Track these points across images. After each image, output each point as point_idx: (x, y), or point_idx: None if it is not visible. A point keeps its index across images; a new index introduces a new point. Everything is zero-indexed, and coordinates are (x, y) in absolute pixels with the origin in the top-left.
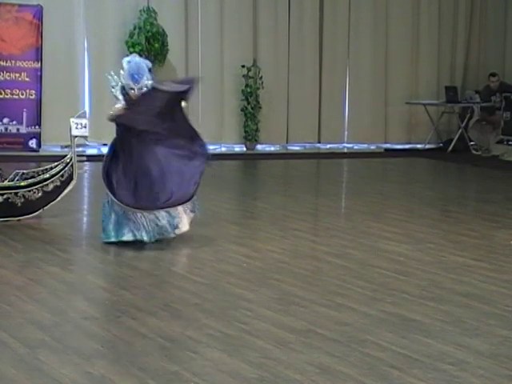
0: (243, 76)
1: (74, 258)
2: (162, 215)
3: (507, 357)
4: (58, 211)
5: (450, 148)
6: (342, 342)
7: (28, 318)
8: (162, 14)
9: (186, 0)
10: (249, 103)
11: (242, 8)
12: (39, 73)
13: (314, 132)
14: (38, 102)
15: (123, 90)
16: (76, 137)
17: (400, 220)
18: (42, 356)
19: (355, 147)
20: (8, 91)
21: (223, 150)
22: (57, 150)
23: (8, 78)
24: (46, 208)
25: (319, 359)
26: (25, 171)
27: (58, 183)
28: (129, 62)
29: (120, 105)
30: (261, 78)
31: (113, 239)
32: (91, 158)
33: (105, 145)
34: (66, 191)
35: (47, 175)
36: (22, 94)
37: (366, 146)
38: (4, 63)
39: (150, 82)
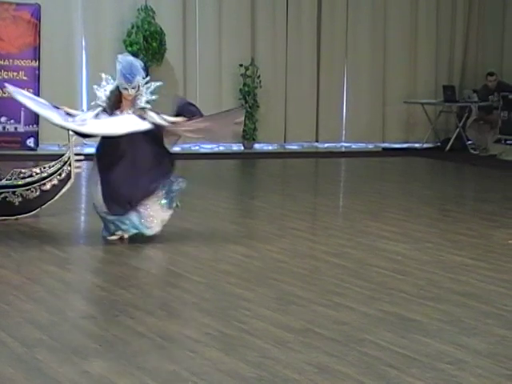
0: (241, 75)
1: (72, 257)
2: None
3: (505, 356)
4: (56, 210)
5: (448, 147)
6: (341, 342)
7: (26, 317)
8: (159, 12)
9: None
10: (247, 102)
11: (239, 7)
12: (37, 71)
13: (311, 131)
14: None
15: (117, 89)
16: (74, 136)
17: (398, 219)
18: (39, 355)
19: (353, 146)
20: (6, 90)
21: (221, 148)
22: (54, 149)
23: (6, 77)
24: (43, 207)
25: (317, 358)
26: (22, 170)
27: (56, 182)
28: (120, 62)
29: (88, 114)
30: (259, 77)
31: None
32: (89, 157)
33: None
34: (63, 190)
35: (45, 174)
36: None
37: (363, 145)
38: (2, 62)
39: (143, 81)
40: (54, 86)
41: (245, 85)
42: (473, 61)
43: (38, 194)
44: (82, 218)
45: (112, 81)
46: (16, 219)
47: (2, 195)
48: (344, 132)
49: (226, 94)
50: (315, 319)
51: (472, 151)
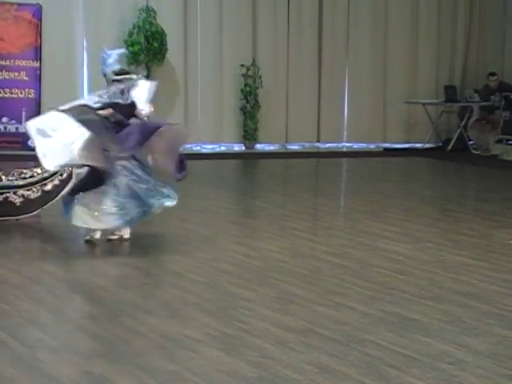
0: (242, 75)
1: (73, 257)
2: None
3: (506, 356)
4: (57, 210)
5: (450, 147)
6: (341, 342)
7: (27, 317)
8: (161, 13)
9: None
10: (248, 102)
11: (241, 7)
12: (38, 72)
13: (313, 131)
14: (37, 101)
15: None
16: None
17: (399, 219)
18: (40, 355)
19: (354, 146)
20: (7, 90)
21: (222, 149)
22: None
23: (7, 77)
24: (45, 207)
25: (318, 358)
26: (24, 170)
27: (57, 182)
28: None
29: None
30: (260, 77)
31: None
32: None
33: None
34: (65, 190)
35: (46, 174)
36: (21, 93)
37: (365, 145)
38: (3, 62)
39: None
40: (56, 86)
41: (246, 85)
42: (474, 61)
43: (39, 194)
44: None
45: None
46: (17, 219)
47: (4, 195)
48: (345, 132)
49: (228, 94)
50: (316, 319)
51: (473, 151)
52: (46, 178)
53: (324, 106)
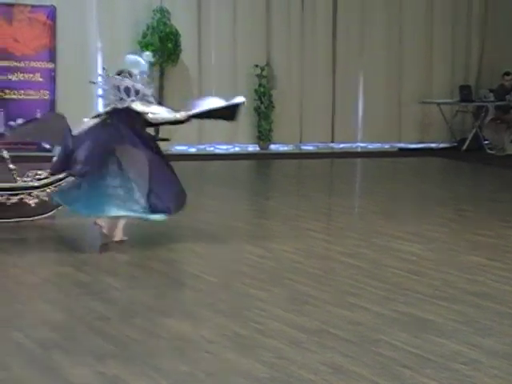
0: (256, 76)
1: (87, 258)
2: None
3: None
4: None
5: (464, 147)
6: (355, 342)
7: (41, 318)
8: (175, 13)
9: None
10: (262, 103)
11: (255, 7)
12: (53, 73)
13: (327, 131)
14: (52, 103)
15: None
16: None
17: (413, 220)
18: (55, 356)
19: (369, 147)
20: (22, 91)
21: (237, 149)
22: None
23: (22, 79)
24: (59, 208)
25: (332, 359)
26: (39, 171)
27: None
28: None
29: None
30: (274, 77)
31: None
32: None
33: None
34: None
35: (61, 176)
36: (36, 95)
37: (379, 145)
38: (18, 64)
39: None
40: (70, 88)
41: (260, 85)
42: (489, 60)
43: None
44: None
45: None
46: (32, 220)
47: (19, 196)
48: (360, 132)
49: (241, 94)
50: (330, 320)
51: (489, 151)
52: (60, 180)
53: (338, 106)
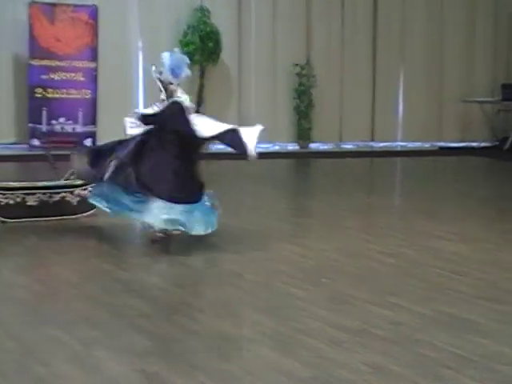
0: (296, 74)
1: (128, 255)
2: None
3: None
4: None
5: (506, 146)
6: (396, 342)
7: (83, 315)
8: (215, 12)
9: None
10: (302, 102)
11: (295, 5)
12: (94, 72)
13: (367, 130)
14: (94, 102)
15: (161, 83)
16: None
17: (454, 219)
18: (96, 353)
19: (409, 145)
20: (64, 91)
21: (276, 148)
22: None
23: (64, 78)
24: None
25: (373, 359)
26: None
27: None
28: (171, 55)
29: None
30: (314, 76)
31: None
32: None
33: None
34: None
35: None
36: (78, 94)
37: (420, 144)
38: (60, 63)
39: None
40: (111, 87)
41: (300, 84)
42: None
43: None
44: None
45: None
46: (74, 218)
47: (61, 195)
48: (400, 131)
49: (281, 93)
50: (371, 319)
51: None
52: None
53: (378, 104)
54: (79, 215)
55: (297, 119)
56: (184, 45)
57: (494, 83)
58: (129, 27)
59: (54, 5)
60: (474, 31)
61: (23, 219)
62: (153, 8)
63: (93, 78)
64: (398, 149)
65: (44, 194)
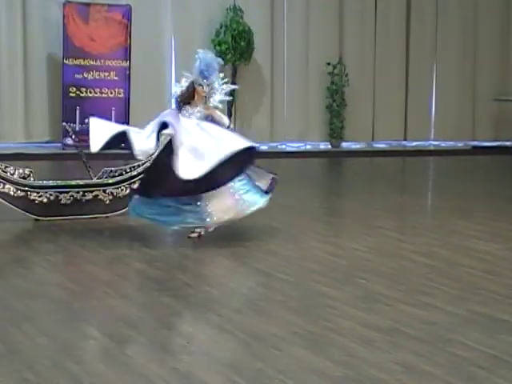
0: (329, 73)
1: (160, 254)
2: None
3: None
4: None
5: None
6: (428, 342)
7: (115, 313)
8: (248, 12)
9: None
10: (334, 101)
11: (327, 5)
12: (127, 72)
13: (400, 129)
14: (127, 101)
15: (192, 84)
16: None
17: (487, 218)
18: (129, 351)
19: (442, 145)
20: (97, 90)
21: (308, 147)
22: None
23: (97, 77)
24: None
25: (404, 358)
26: (113, 169)
27: None
28: (199, 58)
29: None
30: (346, 75)
31: None
32: None
33: None
34: None
35: (135, 173)
36: (111, 93)
37: (453, 143)
38: (94, 62)
39: (221, 81)
40: (144, 86)
41: (332, 83)
42: None
43: (127, 192)
44: None
45: (190, 76)
46: (106, 217)
47: (94, 193)
48: (433, 130)
49: (314, 92)
50: (402, 319)
51: None
52: (134, 177)
53: (411, 103)
54: (111, 214)
55: (329, 118)
56: (216, 44)
57: None
58: (162, 27)
59: (88, 4)
60: (508, 30)
61: (56, 217)
62: (186, 7)
63: (126, 78)
64: (431, 148)
65: (77, 192)
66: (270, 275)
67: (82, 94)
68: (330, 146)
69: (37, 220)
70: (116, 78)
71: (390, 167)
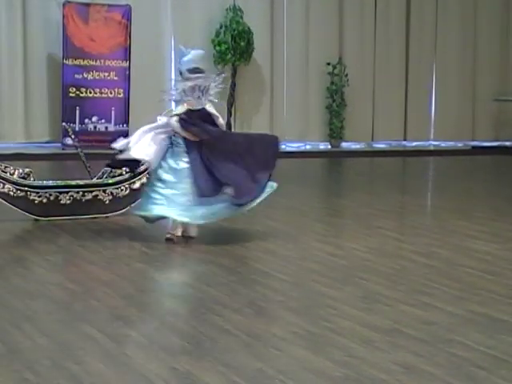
0: (328, 73)
1: (161, 254)
2: None
3: None
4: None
5: None
6: (428, 342)
7: (115, 313)
8: (247, 12)
9: None
10: (334, 101)
11: (327, 5)
12: (127, 72)
13: (399, 129)
14: (126, 101)
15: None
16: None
17: (487, 219)
18: (128, 351)
19: (442, 145)
20: (97, 90)
21: (308, 147)
22: None
23: (97, 77)
24: (133, 205)
25: (404, 358)
26: (113, 169)
27: (145, 181)
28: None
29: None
30: (346, 75)
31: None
32: None
33: None
34: None
35: (135, 173)
36: (111, 93)
37: (452, 143)
38: (93, 62)
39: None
40: (144, 86)
41: (332, 83)
42: None
43: (127, 192)
44: None
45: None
46: (106, 217)
47: (94, 193)
48: (432, 130)
49: (314, 92)
50: (402, 319)
51: None
52: (134, 177)
53: (411, 103)
54: (111, 214)
55: (329, 118)
56: (216, 44)
57: None
58: (162, 27)
59: (87, 5)
60: (508, 30)
61: (56, 217)
62: (185, 7)
63: (125, 78)
64: (431, 148)
65: (77, 192)
66: (270, 275)
67: (81, 94)
68: (329, 146)
69: (37, 220)
70: (116, 78)
71: (389, 167)
